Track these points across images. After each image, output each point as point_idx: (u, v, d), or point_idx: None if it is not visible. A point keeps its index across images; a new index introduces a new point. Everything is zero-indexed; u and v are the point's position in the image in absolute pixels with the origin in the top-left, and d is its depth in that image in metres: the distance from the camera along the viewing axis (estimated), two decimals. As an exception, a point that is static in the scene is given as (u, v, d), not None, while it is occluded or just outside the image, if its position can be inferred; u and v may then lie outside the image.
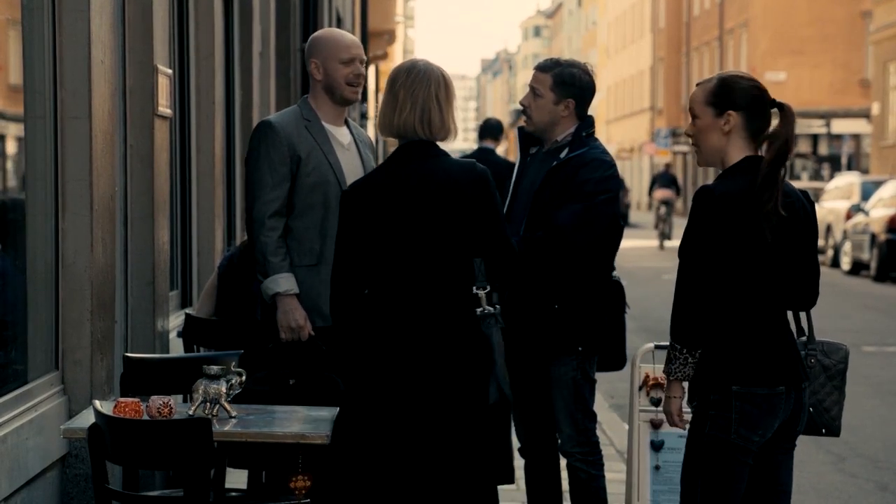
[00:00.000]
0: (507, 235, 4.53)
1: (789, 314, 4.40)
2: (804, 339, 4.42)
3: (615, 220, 5.39)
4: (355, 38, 5.51)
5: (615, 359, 5.53)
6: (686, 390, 4.19)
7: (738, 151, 4.18)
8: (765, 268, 4.11)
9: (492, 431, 4.48)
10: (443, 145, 4.58)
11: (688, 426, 4.22)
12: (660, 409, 4.93)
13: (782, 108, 4.20)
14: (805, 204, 4.23)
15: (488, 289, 4.46)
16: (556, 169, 5.34)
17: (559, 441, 5.50)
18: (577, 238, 5.25)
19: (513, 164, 5.67)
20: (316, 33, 5.56)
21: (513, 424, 5.72)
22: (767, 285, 4.13)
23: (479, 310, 4.46)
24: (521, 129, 5.57)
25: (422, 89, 4.50)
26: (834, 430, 4.51)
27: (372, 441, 4.46)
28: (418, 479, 4.45)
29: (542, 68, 5.48)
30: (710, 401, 4.10)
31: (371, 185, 4.54)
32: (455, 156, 4.84)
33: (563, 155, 5.38)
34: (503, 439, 4.52)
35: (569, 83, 5.40)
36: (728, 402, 4.08)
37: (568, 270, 5.33)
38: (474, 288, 4.45)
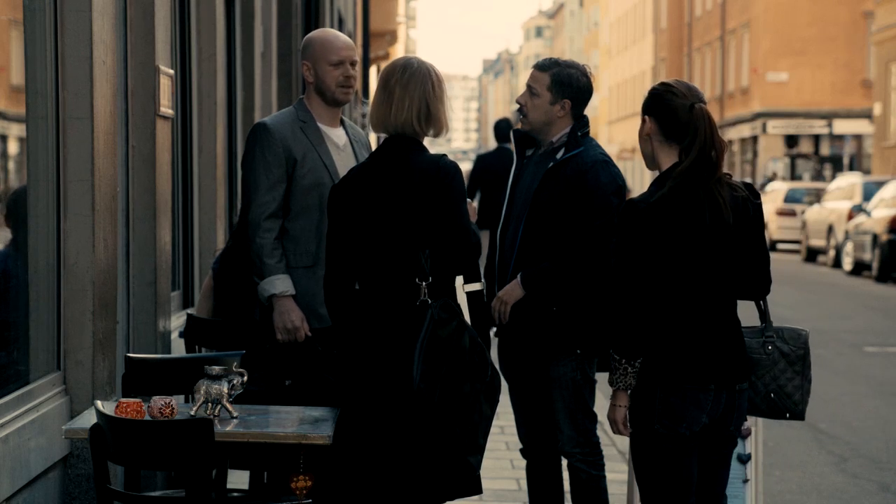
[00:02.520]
0: (463, 224, 4.53)
1: (752, 305, 4.50)
2: (763, 326, 4.52)
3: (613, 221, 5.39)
4: (348, 40, 5.50)
5: None
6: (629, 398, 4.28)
7: (665, 157, 4.30)
8: (698, 267, 4.19)
9: (421, 425, 4.46)
10: (445, 144, 4.63)
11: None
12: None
13: (691, 109, 4.23)
14: (747, 196, 4.28)
15: (430, 280, 4.50)
16: (554, 170, 5.35)
17: (560, 442, 5.51)
18: (595, 265, 5.29)
19: None
20: (309, 34, 5.55)
21: (514, 425, 5.74)
22: (703, 284, 4.20)
23: (418, 300, 4.49)
24: (516, 132, 5.58)
25: (418, 87, 4.56)
26: (797, 414, 4.57)
27: (352, 434, 4.52)
28: (377, 465, 4.51)
29: (540, 67, 5.48)
30: (637, 393, 4.22)
31: (354, 180, 4.62)
32: (454, 154, 4.89)
33: (559, 156, 5.39)
34: (443, 436, 4.46)
35: (566, 84, 5.41)
36: (653, 395, 4.18)
37: (573, 281, 5.34)
38: (416, 279, 4.49)
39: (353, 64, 5.43)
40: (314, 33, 5.55)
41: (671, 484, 4.24)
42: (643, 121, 4.33)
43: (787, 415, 4.56)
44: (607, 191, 5.30)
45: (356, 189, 4.59)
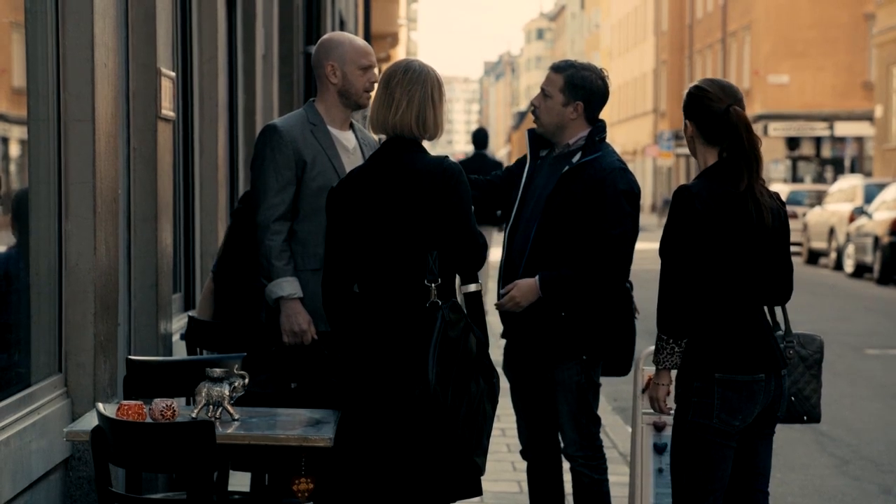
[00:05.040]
0: (471, 227, 4.56)
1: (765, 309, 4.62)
2: (781, 332, 4.65)
3: (636, 227, 5.37)
4: (369, 45, 5.53)
5: (621, 364, 5.52)
6: (672, 379, 4.44)
7: (711, 157, 4.43)
8: (742, 262, 4.33)
9: (432, 426, 4.47)
10: (446, 146, 4.65)
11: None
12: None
13: (727, 114, 4.35)
14: (779, 205, 4.46)
15: (440, 281, 4.51)
16: (570, 174, 5.31)
17: (563, 445, 5.50)
18: (614, 274, 5.28)
19: (500, 163, 5.70)
20: (330, 35, 5.54)
21: (516, 427, 5.73)
22: (745, 279, 4.35)
23: (427, 302, 4.50)
24: (531, 132, 5.55)
25: (418, 90, 4.59)
26: (815, 417, 4.71)
27: (355, 437, 4.53)
28: (382, 467, 4.52)
29: (556, 69, 5.45)
30: (694, 388, 4.33)
31: (354, 182, 4.63)
32: (455, 156, 4.93)
33: (575, 160, 5.36)
34: (451, 437, 4.47)
35: (579, 86, 5.39)
36: (710, 389, 4.30)
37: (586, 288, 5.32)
38: (425, 280, 4.50)
39: (375, 69, 5.46)
40: (337, 35, 5.52)
41: (713, 476, 4.33)
42: (685, 124, 4.47)
43: (805, 417, 4.68)
44: (623, 199, 5.26)
45: (357, 191, 4.59)
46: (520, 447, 5.73)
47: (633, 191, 5.32)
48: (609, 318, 5.36)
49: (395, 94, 4.60)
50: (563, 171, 5.32)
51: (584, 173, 5.29)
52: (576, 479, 5.48)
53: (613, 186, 5.25)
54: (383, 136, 4.73)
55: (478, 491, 4.61)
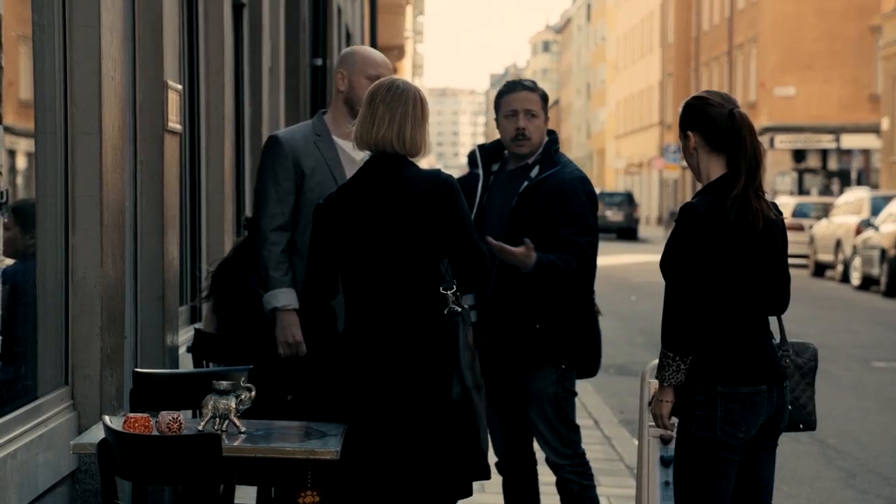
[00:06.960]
0: (474, 237, 4.60)
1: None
2: (776, 341, 4.62)
3: (595, 240, 5.47)
4: (386, 58, 5.55)
5: (589, 367, 5.61)
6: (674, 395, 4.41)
7: (715, 167, 4.38)
8: (747, 277, 4.32)
9: (460, 427, 4.53)
10: (453, 158, 4.69)
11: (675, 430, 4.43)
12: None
13: (732, 117, 4.33)
14: (777, 215, 4.44)
15: (454, 289, 4.55)
16: (532, 188, 5.40)
17: (545, 455, 5.54)
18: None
19: None
20: (351, 47, 5.62)
21: (489, 433, 5.73)
22: (749, 293, 4.33)
23: (446, 309, 4.53)
24: (481, 147, 5.65)
25: (400, 107, 4.62)
26: (810, 425, 4.69)
27: (358, 444, 4.54)
28: (395, 477, 4.54)
29: (530, 89, 5.57)
30: (697, 401, 4.30)
31: (342, 197, 4.64)
32: (462, 169, 4.97)
33: (534, 174, 5.43)
34: (472, 435, 4.56)
35: (546, 100, 5.59)
36: (713, 402, 4.28)
37: (553, 293, 5.37)
38: (441, 288, 4.52)
39: None
40: (356, 47, 5.63)
41: (716, 490, 4.31)
42: (686, 137, 4.41)
43: (801, 426, 4.67)
44: (588, 209, 5.43)
45: (350, 206, 4.58)
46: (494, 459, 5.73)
47: (595, 200, 5.50)
48: (581, 326, 5.44)
49: (377, 112, 4.63)
50: (524, 186, 5.41)
51: (545, 186, 5.40)
52: (564, 488, 5.53)
53: (577, 198, 5.40)
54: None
55: (486, 474, 4.64)
